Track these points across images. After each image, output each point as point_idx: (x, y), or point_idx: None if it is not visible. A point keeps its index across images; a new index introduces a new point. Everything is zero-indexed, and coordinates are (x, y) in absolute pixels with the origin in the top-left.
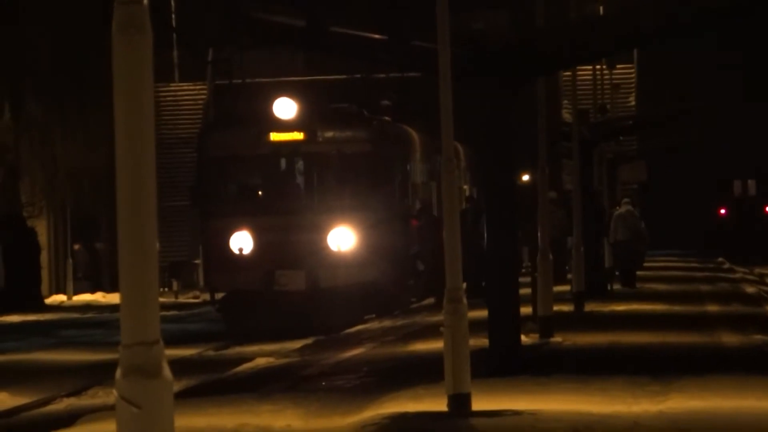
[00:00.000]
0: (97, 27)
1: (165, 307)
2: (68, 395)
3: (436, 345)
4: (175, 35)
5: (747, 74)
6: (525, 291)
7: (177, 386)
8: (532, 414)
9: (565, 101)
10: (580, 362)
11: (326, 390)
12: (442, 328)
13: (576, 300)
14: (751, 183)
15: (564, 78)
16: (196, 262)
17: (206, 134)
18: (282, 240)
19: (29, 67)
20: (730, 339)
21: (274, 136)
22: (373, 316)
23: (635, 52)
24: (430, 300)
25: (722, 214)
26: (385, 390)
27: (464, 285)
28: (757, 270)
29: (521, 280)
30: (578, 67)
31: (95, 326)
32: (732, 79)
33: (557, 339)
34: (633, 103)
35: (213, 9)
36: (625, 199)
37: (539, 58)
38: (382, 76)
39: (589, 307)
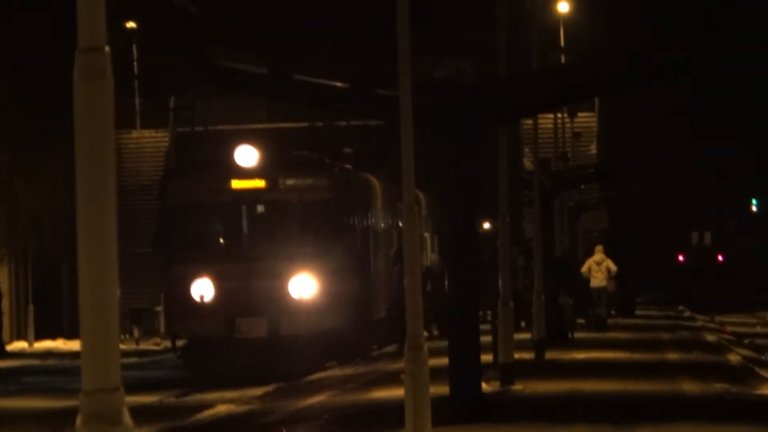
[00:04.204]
0: (60, 72)
1: (126, 354)
2: None
3: (398, 392)
4: (137, 82)
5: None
6: (486, 338)
7: None
8: None
9: (527, 149)
10: (540, 410)
11: None
12: (402, 376)
13: (537, 347)
14: (707, 234)
15: (525, 126)
16: (158, 309)
17: (168, 181)
18: (243, 287)
19: None
20: (691, 387)
21: (236, 184)
22: (335, 363)
23: (596, 100)
24: (392, 347)
25: (681, 261)
26: None
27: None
28: (718, 318)
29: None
30: (539, 115)
31: (57, 373)
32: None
33: (518, 386)
34: (594, 151)
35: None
36: (598, 246)
37: (496, 109)
38: (344, 123)
39: (550, 354)
